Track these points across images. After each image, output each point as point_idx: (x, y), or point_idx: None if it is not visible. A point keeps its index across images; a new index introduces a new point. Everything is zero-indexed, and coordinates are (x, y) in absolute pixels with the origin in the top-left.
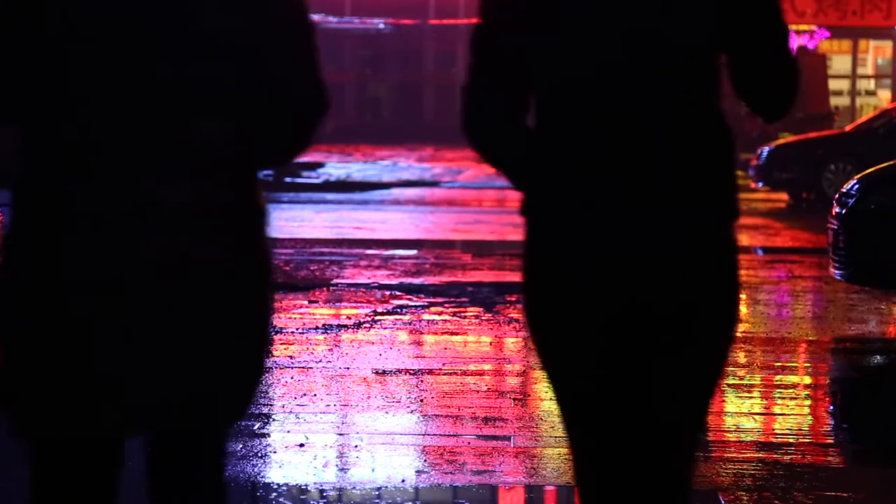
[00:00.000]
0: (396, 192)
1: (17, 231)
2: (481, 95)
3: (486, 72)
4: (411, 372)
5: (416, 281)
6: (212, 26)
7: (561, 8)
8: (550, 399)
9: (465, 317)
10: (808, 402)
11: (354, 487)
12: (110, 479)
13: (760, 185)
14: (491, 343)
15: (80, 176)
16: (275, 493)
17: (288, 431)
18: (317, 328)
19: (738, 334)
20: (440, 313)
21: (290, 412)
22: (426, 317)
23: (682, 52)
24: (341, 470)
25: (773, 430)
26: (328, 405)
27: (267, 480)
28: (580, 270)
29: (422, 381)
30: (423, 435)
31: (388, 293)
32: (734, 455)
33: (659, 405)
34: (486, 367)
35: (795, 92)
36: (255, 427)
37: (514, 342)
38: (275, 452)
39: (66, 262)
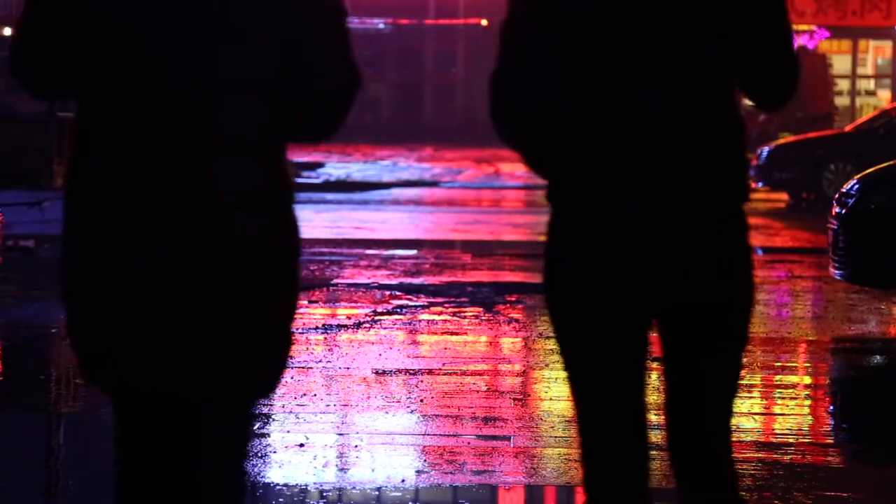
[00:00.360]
0: (396, 192)
1: (72, 208)
2: (508, 84)
3: (513, 62)
4: (411, 372)
5: (416, 281)
6: (247, 14)
7: (577, 7)
8: (550, 399)
9: (464, 317)
10: (808, 402)
11: (354, 487)
12: (177, 431)
13: (760, 185)
14: (491, 343)
15: (125, 154)
16: (275, 493)
17: (288, 431)
18: (316, 328)
19: None
20: (440, 313)
21: (290, 412)
22: (426, 317)
23: (698, 48)
24: (341, 470)
25: (773, 430)
26: (328, 405)
27: (267, 480)
28: (604, 262)
29: (422, 381)
30: (423, 435)
31: (387, 293)
32: (734, 455)
33: (694, 362)
34: (486, 367)
35: (796, 83)
36: (255, 427)
37: (513, 342)
38: (275, 452)
39: (111, 230)
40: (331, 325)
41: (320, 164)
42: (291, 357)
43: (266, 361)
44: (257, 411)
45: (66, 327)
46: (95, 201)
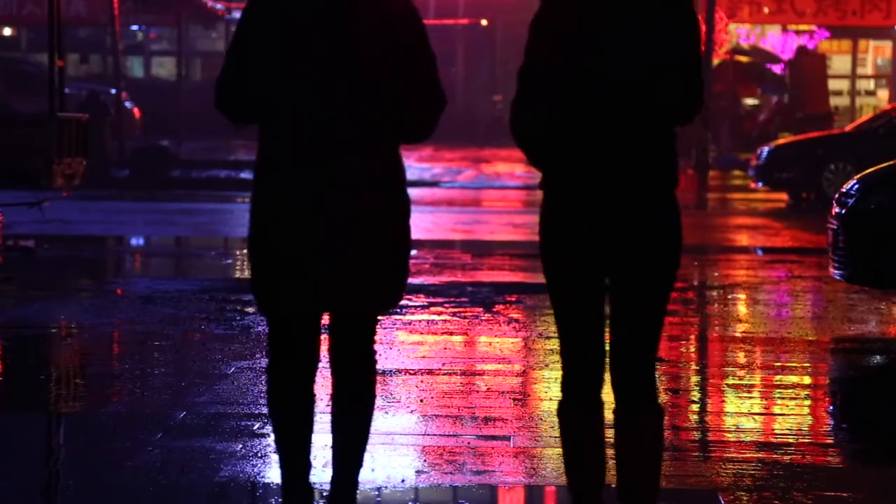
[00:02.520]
0: None
1: (258, 183)
2: (524, 101)
3: (523, 100)
4: (411, 372)
5: (416, 281)
6: (367, 55)
7: (568, 34)
8: (550, 399)
9: (465, 317)
10: (808, 402)
11: None
12: (315, 338)
13: (760, 185)
14: (491, 343)
15: (288, 155)
16: (275, 493)
17: None
18: None
19: (738, 334)
20: (440, 313)
21: None
22: (426, 317)
23: (646, 69)
24: None
25: (773, 430)
26: (328, 405)
27: (267, 480)
28: (576, 221)
29: (422, 381)
30: (423, 435)
31: None
32: (734, 455)
33: (633, 302)
34: (486, 367)
35: (700, 99)
36: (255, 427)
37: (514, 342)
38: (275, 452)
39: (284, 203)
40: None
41: None
42: None
43: (394, 287)
44: (257, 412)
45: (250, 273)
46: (271, 182)
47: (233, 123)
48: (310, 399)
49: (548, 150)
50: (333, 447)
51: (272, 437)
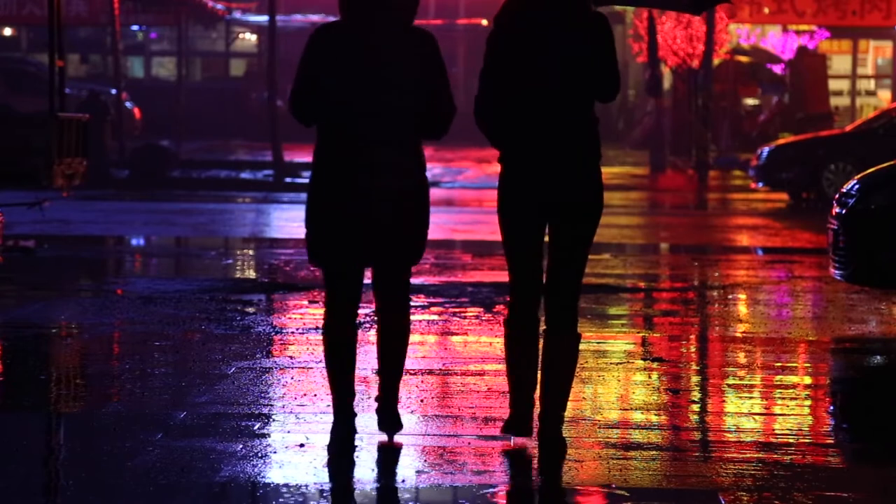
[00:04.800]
0: None
1: (316, 167)
2: (482, 102)
3: (484, 89)
4: (411, 372)
5: (416, 281)
6: (404, 78)
7: (511, 58)
8: None
9: (465, 317)
10: (808, 402)
11: (354, 487)
12: (359, 285)
13: (760, 185)
14: (491, 343)
15: (343, 145)
16: (275, 493)
17: (288, 431)
18: (317, 328)
19: (739, 334)
20: (440, 313)
21: (290, 412)
22: (426, 317)
23: (579, 75)
24: (341, 470)
25: (773, 430)
26: (328, 405)
27: (267, 480)
28: (524, 185)
29: (422, 381)
30: (423, 435)
31: None
32: (734, 455)
33: (563, 246)
34: (486, 367)
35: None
36: (255, 427)
37: None
38: (275, 452)
39: (336, 182)
40: None
41: None
42: (291, 357)
43: (418, 246)
44: (257, 412)
45: (307, 236)
46: (328, 169)
47: (305, 127)
48: (353, 333)
49: (503, 133)
50: (380, 363)
51: (324, 366)
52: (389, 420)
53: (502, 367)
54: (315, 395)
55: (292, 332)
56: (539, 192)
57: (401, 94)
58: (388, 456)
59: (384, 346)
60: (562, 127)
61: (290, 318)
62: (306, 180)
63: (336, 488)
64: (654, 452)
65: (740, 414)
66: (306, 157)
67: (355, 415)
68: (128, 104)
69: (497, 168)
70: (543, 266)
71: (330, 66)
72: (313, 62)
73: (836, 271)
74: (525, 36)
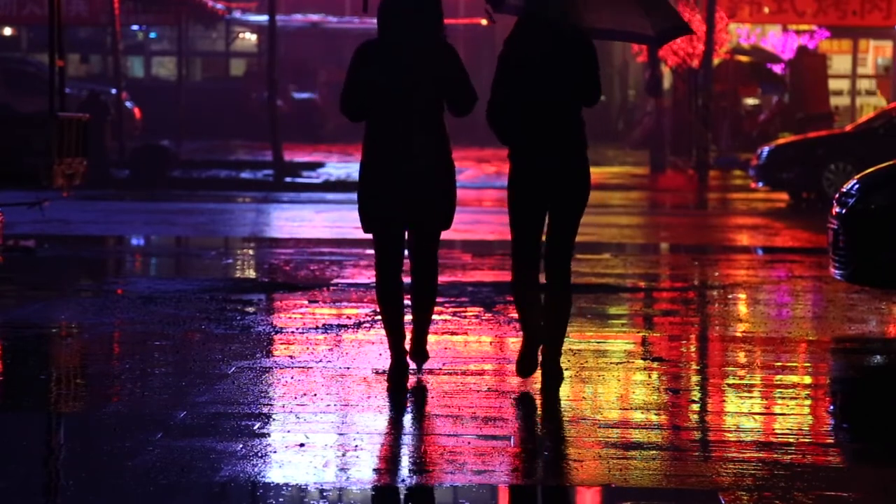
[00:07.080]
0: None
1: (365, 154)
2: (496, 104)
3: (496, 95)
4: (411, 372)
5: None
6: (434, 73)
7: (521, 64)
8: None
9: (465, 317)
10: (808, 402)
11: (354, 487)
12: (401, 247)
13: (760, 185)
14: (491, 343)
15: (381, 134)
16: (275, 493)
17: (288, 431)
18: (317, 328)
19: (739, 334)
20: (440, 313)
21: (290, 412)
22: None
23: (570, 87)
24: (341, 470)
25: (773, 430)
26: (328, 405)
27: (267, 480)
28: (529, 176)
29: (422, 381)
30: (423, 435)
31: None
32: (734, 455)
33: (560, 220)
34: (486, 367)
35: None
36: (255, 427)
37: (514, 342)
38: (275, 452)
39: (380, 164)
40: (331, 325)
41: (320, 164)
42: (291, 357)
43: (448, 214)
44: (257, 411)
45: (359, 208)
46: (375, 151)
47: (353, 121)
48: (400, 287)
49: (512, 133)
50: (413, 313)
51: (382, 322)
52: (419, 354)
53: (502, 367)
54: (315, 395)
55: (292, 332)
56: (541, 178)
57: (430, 89)
58: (389, 456)
59: (417, 300)
60: (557, 127)
61: (290, 318)
62: (306, 180)
63: (336, 488)
64: (654, 452)
65: (740, 414)
66: (306, 157)
67: (406, 352)
68: (128, 104)
69: (496, 168)
70: (542, 236)
71: (373, 71)
72: (360, 67)
73: (836, 271)
74: (529, 56)
